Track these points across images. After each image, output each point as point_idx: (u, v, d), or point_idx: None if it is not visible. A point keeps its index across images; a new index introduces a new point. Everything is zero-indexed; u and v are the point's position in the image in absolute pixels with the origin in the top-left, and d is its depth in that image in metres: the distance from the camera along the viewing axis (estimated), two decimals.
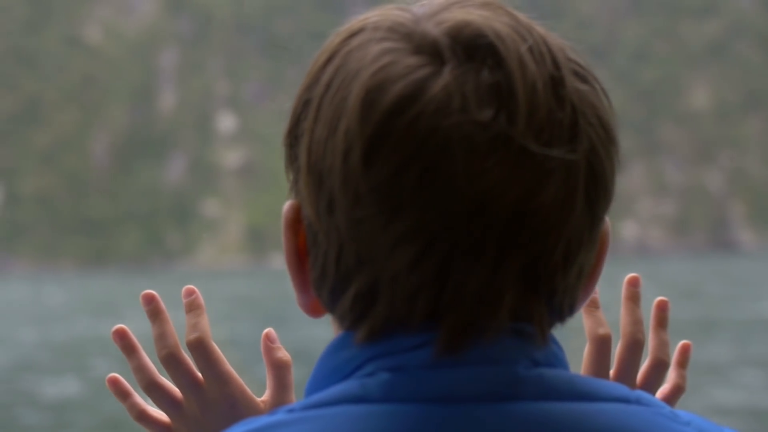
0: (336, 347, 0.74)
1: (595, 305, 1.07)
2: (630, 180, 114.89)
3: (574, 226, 0.72)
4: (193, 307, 1.04)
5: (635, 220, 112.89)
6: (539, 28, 0.75)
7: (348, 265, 0.72)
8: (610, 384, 0.75)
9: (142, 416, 1.06)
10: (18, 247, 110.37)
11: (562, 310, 0.75)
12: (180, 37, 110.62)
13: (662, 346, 1.09)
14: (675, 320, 28.27)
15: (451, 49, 0.71)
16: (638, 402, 0.75)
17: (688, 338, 23.43)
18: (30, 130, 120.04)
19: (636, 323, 1.07)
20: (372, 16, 0.74)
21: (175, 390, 1.06)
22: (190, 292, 1.04)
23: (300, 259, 0.75)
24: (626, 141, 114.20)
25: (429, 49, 0.71)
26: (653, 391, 1.10)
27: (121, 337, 1.06)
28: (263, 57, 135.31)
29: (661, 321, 1.09)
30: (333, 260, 0.72)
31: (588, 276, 0.76)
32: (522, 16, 0.75)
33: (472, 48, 0.71)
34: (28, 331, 33.06)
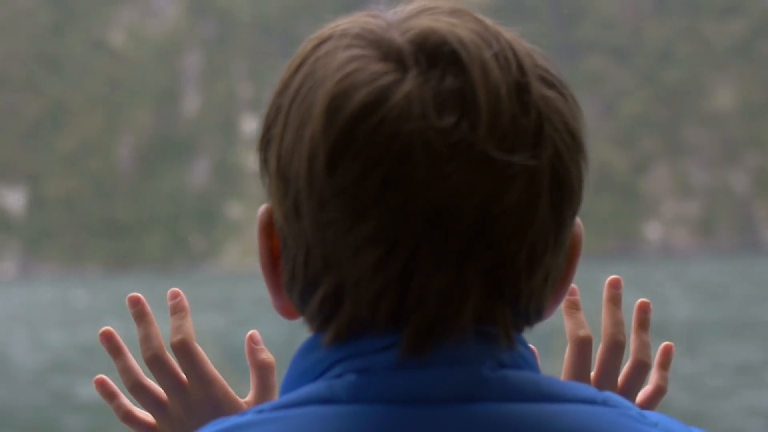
0: (306, 349, 0.75)
1: (575, 307, 1.07)
2: (654, 181, 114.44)
3: (539, 230, 0.73)
4: (177, 310, 1.05)
5: (659, 222, 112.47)
6: (508, 34, 0.75)
7: (315, 268, 0.73)
8: (577, 385, 0.76)
9: (128, 417, 1.08)
10: (44, 250, 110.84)
11: (529, 314, 0.76)
12: (203, 40, 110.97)
13: (643, 348, 1.09)
14: (704, 322, 28.19)
15: (414, 56, 0.72)
16: (605, 403, 0.75)
17: (718, 340, 23.38)
18: (54, 134, 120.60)
19: (617, 325, 1.08)
20: (343, 23, 0.75)
21: (160, 391, 1.07)
22: (175, 295, 1.06)
23: (273, 262, 0.76)
24: (650, 142, 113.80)
25: (394, 57, 0.72)
26: (634, 393, 1.10)
27: (108, 339, 1.08)
28: (286, 59, 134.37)
29: (643, 323, 1.10)
30: (302, 264, 0.73)
31: (559, 280, 0.77)
32: (490, 23, 0.76)
33: (435, 55, 0.71)
34: (56, 333, 33.23)
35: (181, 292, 1.06)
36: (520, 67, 0.73)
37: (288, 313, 0.78)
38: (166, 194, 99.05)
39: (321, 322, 0.74)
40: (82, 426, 14.97)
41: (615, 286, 1.08)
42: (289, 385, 0.76)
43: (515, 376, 0.74)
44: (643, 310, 1.10)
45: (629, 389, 1.09)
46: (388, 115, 0.70)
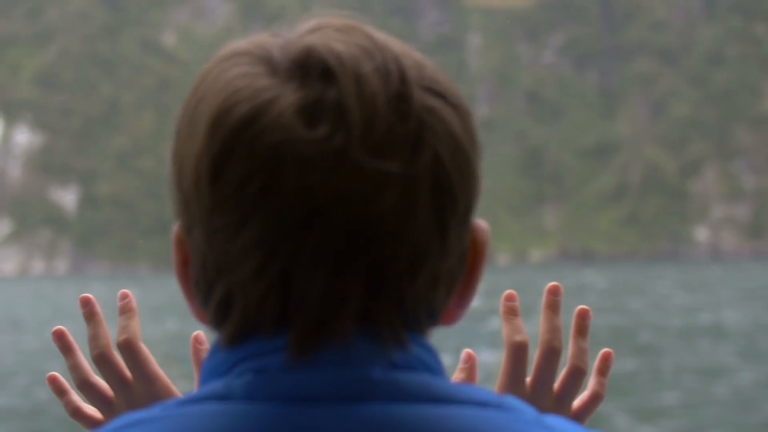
0: (213, 351, 0.79)
1: (513, 313, 1.08)
2: (703, 184, 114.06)
3: (418, 235, 0.75)
4: (125, 310, 1.09)
5: (708, 224, 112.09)
6: (398, 47, 0.79)
7: (210, 275, 0.76)
8: (472, 388, 0.77)
9: (77, 413, 1.12)
10: (95, 248, 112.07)
11: (419, 317, 0.77)
12: None
13: (580, 354, 1.10)
14: (757, 324, 28.36)
15: (293, 72, 0.75)
16: (498, 407, 0.77)
17: None
18: (107, 133, 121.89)
19: (553, 331, 1.09)
20: (245, 42, 0.80)
21: (107, 388, 1.11)
22: (124, 296, 1.10)
23: (185, 271, 0.80)
24: (699, 144, 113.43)
25: (278, 73, 0.76)
26: (570, 399, 1.11)
27: (59, 338, 1.12)
28: None
29: (581, 329, 1.11)
30: (201, 271, 0.77)
31: (457, 286, 0.79)
32: (380, 36, 0.79)
33: (312, 70, 0.75)
34: (109, 330, 33.94)
35: (129, 293, 1.10)
36: (403, 77, 0.76)
37: (201, 319, 0.81)
38: None
39: (217, 325, 0.78)
40: None
41: (554, 293, 1.09)
42: (201, 383, 0.79)
43: (405, 377, 0.76)
44: (582, 317, 1.11)
45: (565, 395, 1.10)
46: (266, 127, 0.74)
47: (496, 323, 30.28)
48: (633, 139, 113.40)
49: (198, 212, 0.76)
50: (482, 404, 0.77)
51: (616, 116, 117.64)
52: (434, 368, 0.78)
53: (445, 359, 21.89)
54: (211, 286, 0.77)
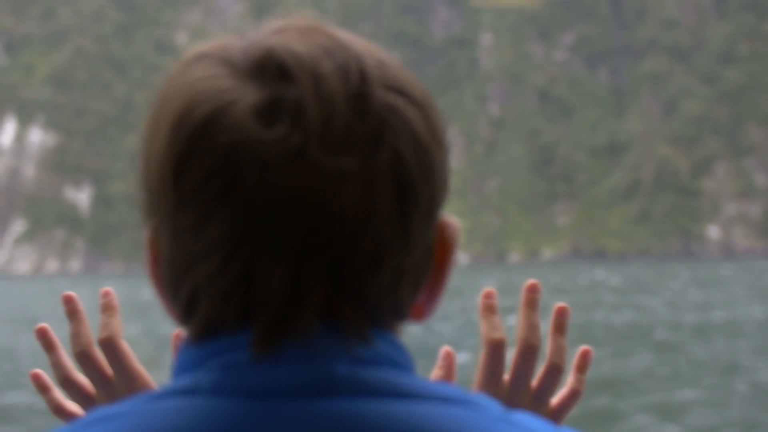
0: (184, 347, 0.80)
1: (491, 310, 1.09)
2: (715, 182, 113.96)
3: (379, 231, 0.76)
4: (106, 308, 1.12)
5: (720, 222, 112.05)
6: (361, 46, 0.80)
7: (177, 273, 0.78)
8: (438, 385, 0.78)
9: (59, 410, 1.15)
10: (108, 247, 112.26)
11: (384, 312, 0.78)
12: None
13: (558, 351, 1.11)
14: None
15: (252, 72, 0.77)
16: (463, 404, 0.78)
17: None
18: (120, 133, 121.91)
19: (531, 328, 1.09)
20: (210, 45, 0.81)
21: (89, 385, 1.13)
22: (106, 294, 1.12)
23: (156, 269, 0.82)
24: (711, 142, 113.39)
25: (241, 74, 0.77)
26: (548, 395, 1.11)
27: (42, 336, 1.14)
28: None
29: (560, 327, 1.11)
30: (169, 269, 0.79)
31: (424, 282, 0.80)
32: (343, 36, 0.81)
33: (271, 70, 0.77)
34: (128, 327, 34.21)
35: (111, 291, 1.12)
36: (363, 76, 0.77)
37: (174, 316, 0.82)
38: None
39: (186, 322, 0.80)
40: None
41: (532, 290, 1.10)
42: (172, 379, 0.81)
43: (369, 372, 0.77)
44: (561, 314, 1.12)
45: (543, 392, 1.11)
46: (225, 128, 0.75)
47: (512, 321, 30.48)
48: (644, 138, 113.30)
49: (164, 212, 0.78)
50: (447, 401, 0.78)
51: (627, 114, 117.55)
52: (401, 364, 0.79)
53: (462, 357, 22.06)
54: (179, 284, 0.79)
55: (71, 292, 1.12)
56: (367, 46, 0.81)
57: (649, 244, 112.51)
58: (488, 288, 1.09)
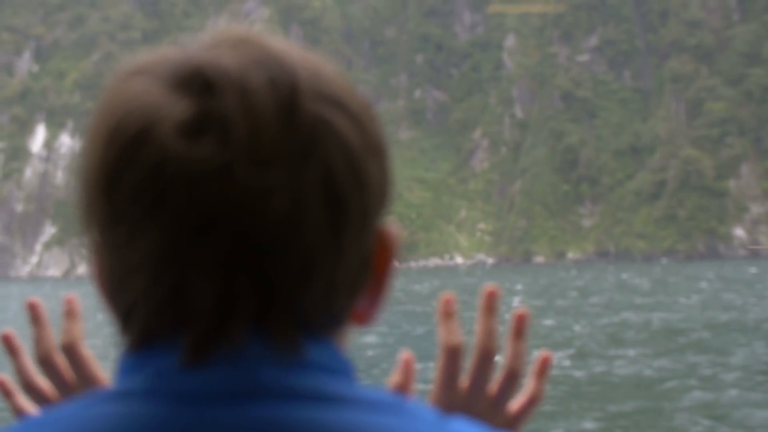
0: (124, 354, 0.82)
1: (449, 315, 1.07)
2: (740, 183, 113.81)
3: (309, 242, 0.77)
4: (69, 314, 1.12)
5: (745, 223, 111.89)
6: (296, 57, 0.80)
7: (114, 284, 0.81)
8: (369, 391, 0.79)
9: (21, 414, 1.16)
10: None
11: (317, 319, 0.80)
12: None
13: (516, 357, 1.09)
14: None
15: (182, 88, 0.78)
16: (394, 410, 0.79)
17: None
18: None
19: (489, 333, 1.08)
20: (146, 56, 0.82)
21: (51, 390, 1.14)
22: (69, 301, 1.13)
23: (101, 280, 0.83)
24: (736, 143, 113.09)
25: (171, 90, 0.78)
26: (506, 401, 1.10)
27: (6, 341, 1.15)
28: (370, 66, 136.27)
29: (519, 332, 1.09)
30: (108, 280, 0.82)
31: (361, 290, 0.81)
32: (278, 47, 0.81)
33: (198, 86, 0.77)
34: None
35: (74, 297, 1.13)
36: (294, 89, 0.77)
37: (115, 324, 0.83)
38: None
39: (122, 331, 0.81)
40: None
41: (490, 296, 1.08)
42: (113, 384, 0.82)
43: (295, 378, 0.78)
44: (520, 320, 1.09)
45: (501, 397, 1.10)
46: (155, 142, 0.76)
47: (547, 322, 30.93)
48: (669, 139, 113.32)
49: (97, 227, 0.79)
50: (377, 407, 0.78)
51: (652, 116, 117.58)
52: (334, 369, 0.80)
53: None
54: (114, 295, 0.80)
55: (35, 298, 1.14)
56: (303, 57, 0.80)
57: (675, 246, 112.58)
58: (446, 293, 1.07)
